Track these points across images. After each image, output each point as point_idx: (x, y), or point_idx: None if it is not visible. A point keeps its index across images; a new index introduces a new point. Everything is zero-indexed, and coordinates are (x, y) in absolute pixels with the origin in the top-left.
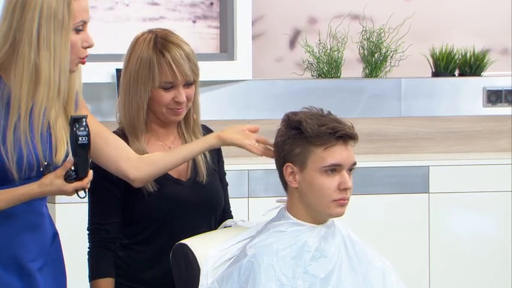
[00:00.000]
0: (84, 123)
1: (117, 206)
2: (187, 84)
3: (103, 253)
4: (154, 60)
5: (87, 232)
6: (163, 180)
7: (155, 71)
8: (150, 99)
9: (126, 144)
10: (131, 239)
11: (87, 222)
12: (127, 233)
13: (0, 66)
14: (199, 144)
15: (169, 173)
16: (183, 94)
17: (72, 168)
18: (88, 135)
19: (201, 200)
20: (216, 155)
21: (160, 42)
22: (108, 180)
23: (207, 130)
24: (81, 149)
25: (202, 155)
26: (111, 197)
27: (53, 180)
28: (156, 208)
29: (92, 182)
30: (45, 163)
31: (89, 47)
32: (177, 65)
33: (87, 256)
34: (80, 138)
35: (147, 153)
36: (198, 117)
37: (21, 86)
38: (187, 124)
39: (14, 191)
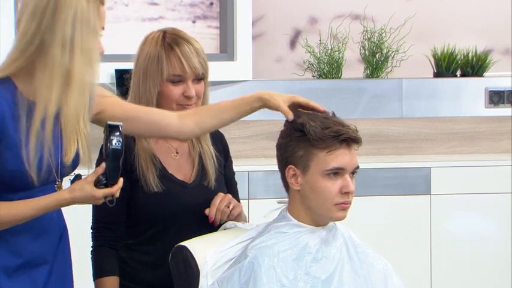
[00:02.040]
0: (119, 130)
1: (123, 205)
2: (197, 80)
3: (107, 252)
4: (163, 54)
5: (91, 231)
6: (168, 181)
7: (163, 64)
8: (159, 94)
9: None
10: (135, 239)
11: (90, 221)
12: (131, 234)
13: (18, 72)
14: (244, 109)
15: (174, 175)
16: (192, 88)
17: (103, 174)
18: (122, 142)
19: (204, 202)
20: (223, 156)
21: (169, 37)
22: None
23: (216, 131)
24: (114, 155)
25: (212, 159)
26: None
27: (83, 185)
28: (160, 208)
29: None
30: (74, 174)
31: (101, 54)
32: (186, 58)
33: (90, 255)
34: (114, 144)
35: (153, 153)
36: None
37: (52, 89)
38: None
39: (44, 199)
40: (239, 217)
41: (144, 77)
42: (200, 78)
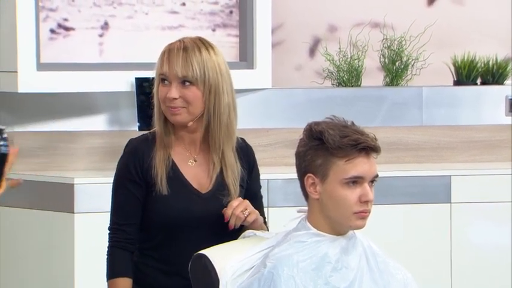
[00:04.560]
0: (4, 134)
1: (138, 207)
2: (183, 83)
3: (120, 253)
4: (161, 55)
5: (108, 231)
6: (182, 187)
7: (157, 63)
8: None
9: None
10: (147, 244)
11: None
12: (144, 238)
13: None
14: None
15: (191, 182)
16: (173, 89)
17: None
18: (8, 145)
19: (215, 214)
20: (247, 170)
21: (177, 43)
22: (130, 181)
23: (243, 144)
24: (1, 159)
25: (234, 173)
26: (132, 198)
27: None
28: (169, 212)
29: (115, 181)
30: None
31: None
32: (170, 58)
33: (106, 256)
34: (1, 148)
35: (171, 158)
36: (220, 128)
37: None
38: (209, 136)
39: None
40: (255, 224)
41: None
42: (185, 81)
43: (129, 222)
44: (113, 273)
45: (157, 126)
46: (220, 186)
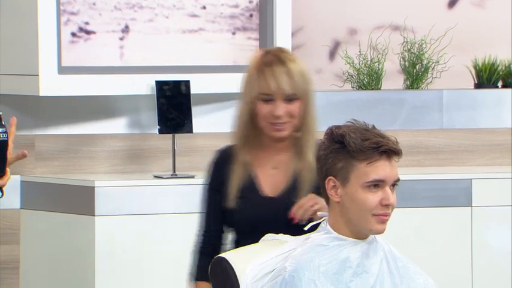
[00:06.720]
0: (2, 121)
1: (218, 214)
2: (289, 100)
3: (199, 257)
4: (255, 73)
5: (196, 233)
6: (251, 194)
7: (254, 82)
8: (254, 112)
9: None
10: (234, 246)
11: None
12: (232, 241)
13: None
14: None
15: (264, 187)
16: (279, 107)
17: None
18: (6, 132)
19: (286, 216)
20: None
21: (267, 57)
22: (213, 190)
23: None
24: (1, 146)
25: (311, 173)
26: (213, 205)
27: None
28: (244, 220)
29: (203, 189)
30: None
31: None
32: (274, 77)
33: (192, 255)
34: (1, 135)
35: (250, 168)
36: (309, 134)
37: None
38: (295, 142)
39: None
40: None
41: (241, 95)
42: (291, 98)
43: (210, 229)
44: (197, 275)
45: (238, 142)
46: (295, 189)
